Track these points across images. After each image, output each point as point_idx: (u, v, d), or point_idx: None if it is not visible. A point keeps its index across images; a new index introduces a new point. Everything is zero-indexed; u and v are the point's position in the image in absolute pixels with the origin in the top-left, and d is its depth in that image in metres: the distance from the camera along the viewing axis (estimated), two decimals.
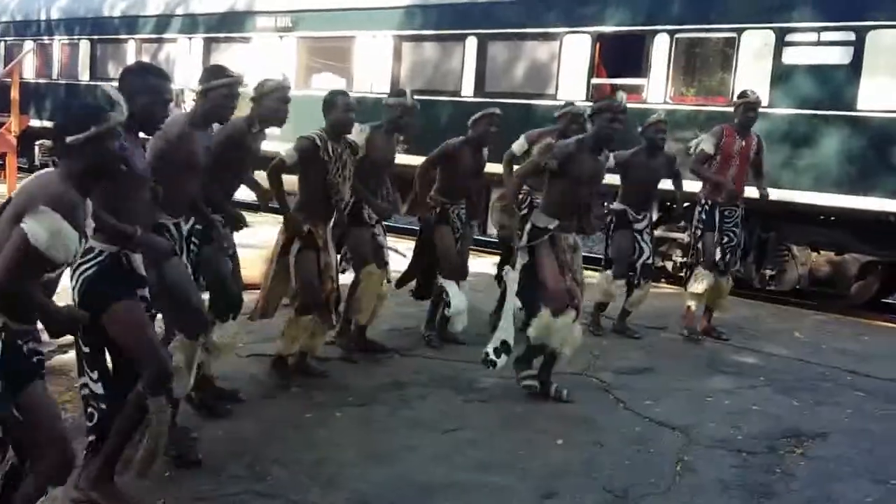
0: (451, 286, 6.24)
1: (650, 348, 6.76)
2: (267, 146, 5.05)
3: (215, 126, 4.45)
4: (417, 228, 6.71)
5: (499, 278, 6.98)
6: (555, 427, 4.88)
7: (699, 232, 7.02)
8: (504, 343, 5.34)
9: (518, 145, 6.67)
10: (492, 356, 5.34)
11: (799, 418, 5.21)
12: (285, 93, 4.85)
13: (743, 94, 7.03)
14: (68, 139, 2.91)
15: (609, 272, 7.00)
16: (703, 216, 6.98)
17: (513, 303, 5.37)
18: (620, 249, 6.94)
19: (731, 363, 6.42)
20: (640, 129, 7.00)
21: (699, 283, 6.96)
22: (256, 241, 6.90)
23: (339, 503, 3.87)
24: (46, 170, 3.01)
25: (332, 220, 5.39)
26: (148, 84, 3.61)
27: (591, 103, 9.56)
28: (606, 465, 4.39)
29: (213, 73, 4.32)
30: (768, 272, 9.26)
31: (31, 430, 2.94)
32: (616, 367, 6.07)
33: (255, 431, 4.59)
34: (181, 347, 4.18)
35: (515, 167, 6.17)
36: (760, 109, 8.12)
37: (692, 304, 7.05)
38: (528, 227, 5.29)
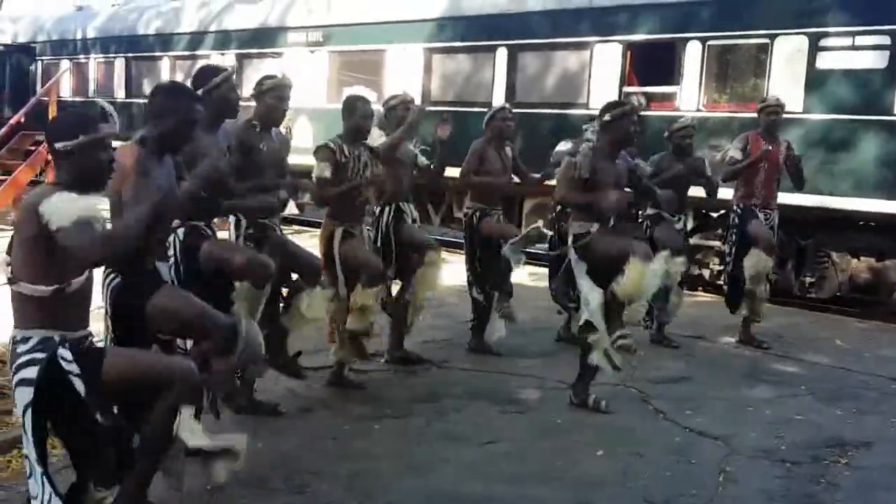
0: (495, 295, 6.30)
1: (688, 357, 6.68)
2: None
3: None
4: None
5: (554, 297, 6.86)
6: (593, 438, 4.84)
7: (734, 237, 6.94)
8: (587, 322, 5.15)
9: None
10: (581, 335, 5.19)
11: (842, 427, 5.13)
12: (283, 91, 4.89)
13: (763, 99, 7.01)
14: (57, 145, 2.92)
15: (666, 252, 6.80)
16: (737, 220, 6.91)
17: (584, 285, 5.15)
18: (666, 240, 6.75)
19: (771, 372, 6.33)
20: (666, 133, 6.95)
21: (750, 267, 6.77)
22: None
23: None
24: (41, 185, 3.04)
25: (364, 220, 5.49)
26: (177, 105, 3.59)
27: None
28: (646, 475, 4.34)
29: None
30: (808, 279, 9.14)
31: (145, 384, 2.99)
32: (654, 376, 6.01)
33: (294, 444, 4.59)
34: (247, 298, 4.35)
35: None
36: (795, 116, 8.06)
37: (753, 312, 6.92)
38: (570, 239, 5.22)
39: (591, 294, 5.07)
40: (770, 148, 6.80)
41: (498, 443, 4.75)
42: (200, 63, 15.19)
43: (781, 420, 5.22)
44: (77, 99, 17.44)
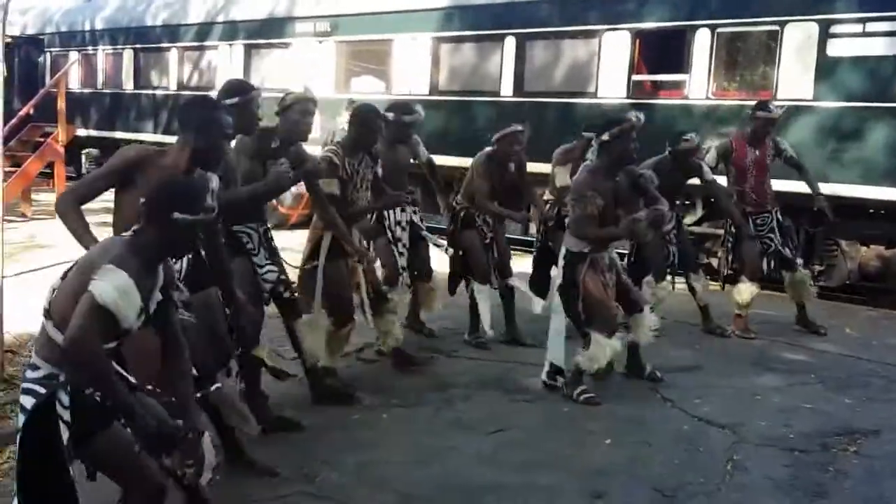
0: (477, 288, 6.33)
1: (697, 346, 6.68)
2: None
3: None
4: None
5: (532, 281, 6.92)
6: (602, 426, 4.85)
7: (730, 245, 6.96)
8: (553, 366, 5.43)
9: (563, 175, 6.66)
10: (549, 381, 5.44)
11: (851, 416, 5.12)
12: (307, 105, 4.73)
13: (764, 107, 6.86)
14: (175, 215, 2.82)
15: (650, 278, 6.85)
16: (732, 227, 6.91)
17: (558, 324, 5.41)
18: (654, 256, 6.78)
19: (780, 360, 6.32)
20: (668, 146, 6.69)
21: (742, 294, 6.91)
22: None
23: None
24: (110, 237, 2.95)
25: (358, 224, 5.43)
26: (215, 120, 3.56)
27: (630, 100, 9.55)
28: (655, 464, 4.36)
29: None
30: (817, 268, 9.11)
31: (117, 473, 2.91)
32: (663, 365, 5.99)
33: (303, 434, 4.62)
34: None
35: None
36: (805, 103, 8.01)
37: (741, 311, 6.95)
38: (563, 252, 5.25)
39: (559, 324, 5.30)
40: (757, 152, 6.75)
41: (506, 431, 4.77)
42: (209, 53, 15.24)
43: (790, 408, 5.22)
44: (86, 90, 17.49)
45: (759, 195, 6.87)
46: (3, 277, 4.91)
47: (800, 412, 5.16)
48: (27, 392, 2.80)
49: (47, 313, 2.82)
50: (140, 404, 2.88)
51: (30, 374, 2.83)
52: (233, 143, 4.42)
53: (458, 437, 4.67)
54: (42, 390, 2.78)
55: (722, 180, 7.14)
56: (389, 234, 5.99)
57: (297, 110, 4.69)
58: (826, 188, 8.10)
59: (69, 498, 2.82)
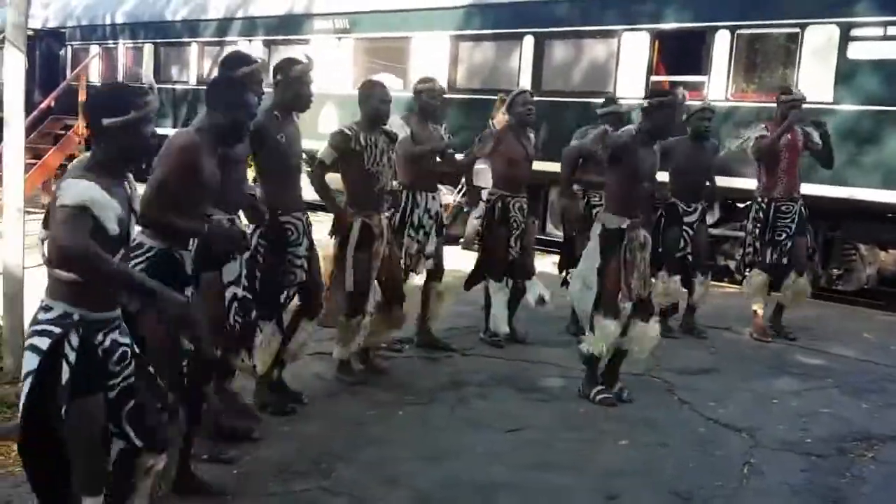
0: (493, 286, 6.28)
1: (714, 348, 6.66)
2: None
3: None
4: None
5: (565, 282, 6.91)
6: (617, 427, 4.84)
7: (756, 231, 6.90)
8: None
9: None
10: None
11: (869, 421, 5.10)
12: (309, 77, 4.78)
13: (787, 91, 6.87)
14: (105, 121, 2.85)
15: (663, 273, 6.86)
16: (760, 214, 6.86)
17: (583, 308, 5.23)
18: (669, 246, 6.81)
19: (797, 364, 6.30)
20: (685, 117, 6.86)
21: (751, 285, 6.88)
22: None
23: (400, 500, 3.89)
24: (73, 163, 2.99)
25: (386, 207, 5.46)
26: (243, 99, 3.64)
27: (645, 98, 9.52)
28: (670, 466, 4.35)
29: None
30: (835, 271, 9.06)
31: (69, 442, 2.89)
32: (679, 367, 6.00)
33: (320, 429, 4.64)
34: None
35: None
36: (825, 106, 7.96)
37: (757, 307, 6.93)
38: (597, 228, 5.16)
39: (587, 292, 5.14)
40: (789, 137, 6.73)
41: (521, 430, 4.78)
42: (228, 49, 15.28)
43: (807, 413, 5.20)
44: (97, 84, 17.58)
45: (790, 179, 6.81)
46: (24, 268, 4.96)
47: (817, 417, 5.14)
48: (42, 333, 2.83)
49: (48, 261, 2.85)
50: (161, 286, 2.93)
51: (42, 315, 2.86)
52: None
53: (472, 435, 4.68)
54: (57, 330, 2.82)
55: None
56: (416, 222, 5.94)
57: (304, 82, 4.74)
58: (845, 192, 8.08)
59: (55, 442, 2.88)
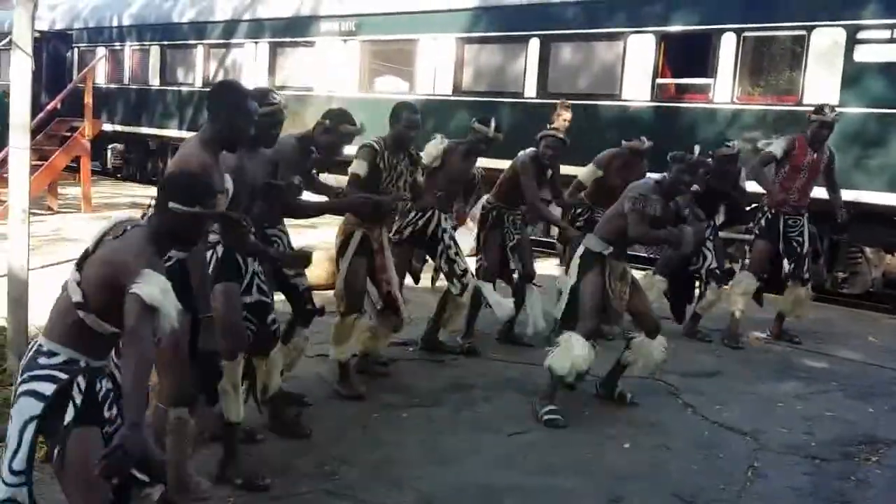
0: (486, 287, 6.24)
1: (719, 352, 6.65)
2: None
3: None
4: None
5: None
6: (621, 430, 4.84)
7: (754, 238, 6.92)
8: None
9: (587, 173, 6.78)
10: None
11: (874, 425, 5.09)
12: (353, 134, 4.77)
13: (820, 111, 6.75)
14: (171, 204, 2.86)
15: (650, 272, 6.85)
16: (764, 223, 6.86)
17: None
18: (670, 256, 6.78)
19: (802, 368, 6.29)
20: (710, 154, 6.61)
21: (738, 287, 6.91)
22: (318, 242, 6.98)
23: (404, 503, 3.89)
24: (129, 231, 2.90)
25: (386, 222, 5.43)
26: (245, 106, 3.63)
27: (654, 103, 9.52)
28: (674, 469, 4.34)
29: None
30: (840, 275, 9.04)
31: (64, 473, 2.86)
32: (684, 370, 5.99)
33: (324, 431, 4.64)
34: (227, 371, 3.99)
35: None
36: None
37: (735, 309, 6.90)
38: (580, 250, 5.19)
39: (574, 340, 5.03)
40: (815, 156, 6.70)
41: (526, 433, 4.78)
42: (234, 51, 15.33)
43: (811, 416, 5.19)
44: (113, 86, 17.63)
45: (802, 197, 6.81)
46: (28, 270, 4.97)
47: (822, 420, 5.13)
48: (45, 378, 2.80)
49: (82, 307, 2.82)
50: None
51: (45, 360, 2.82)
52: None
53: (477, 438, 4.68)
54: (63, 375, 2.80)
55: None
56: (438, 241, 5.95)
57: (344, 133, 4.72)
58: (850, 195, 8.04)
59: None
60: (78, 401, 2.80)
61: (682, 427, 4.97)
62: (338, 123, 4.69)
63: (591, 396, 5.35)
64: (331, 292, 5.53)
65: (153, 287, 2.70)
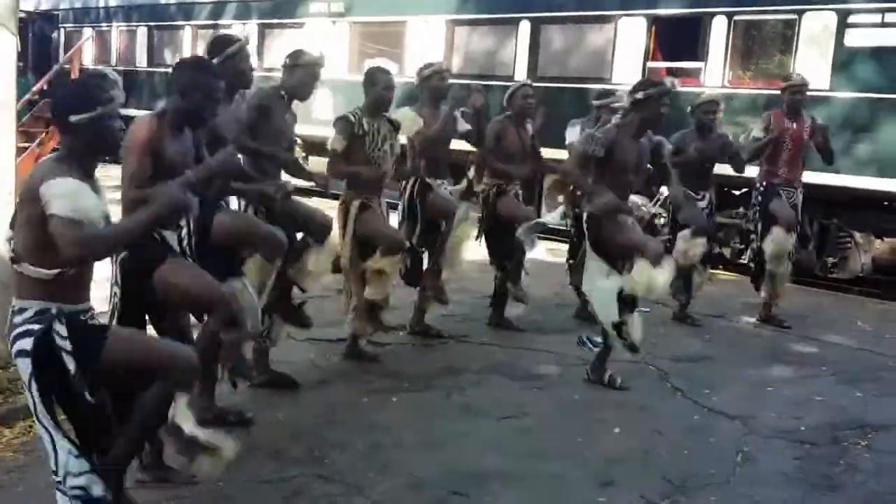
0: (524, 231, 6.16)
1: (708, 336, 6.66)
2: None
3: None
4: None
5: (569, 268, 6.99)
6: (612, 415, 4.84)
7: (757, 213, 6.89)
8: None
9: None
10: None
11: (863, 409, 5.10)
12: (317, 71, 4.88)
13: (787, 77, 6.90)
14: (72, 118, 2.84)
15: (687, 232, 6.76)
16: (760, 198, 6.85)
17: (607, 318, 5.07)
18: (689, 219, 6.65)
19: (791, 352, 6.30)
20: (689, 109, 6.88)
21: (772, 244, 6.77)
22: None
23: (394, 488, 3.88)
24: (42, 159, 3.02)
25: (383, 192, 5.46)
26: (203, 82, 3.60)
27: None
28: (664, 453, 4.35)
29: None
30: (830, 260, 9.06)
31: (140, 366, 2.98)
32: (674, 354, 6.00)
33: (314, 415, 4.63)
34: (258, 270, 4.38)
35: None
36: (822, 94, 7.93)
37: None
38: (585, 217, 5.16)
39: (598, 281, 5.08)
40: (794, 125, 6.72)
41: (517, 418, 4.77)
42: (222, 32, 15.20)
43: (801, 401, 5.20)
44: (100, 67, 17.47)
45: (791, 169, 6.80)
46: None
47: (811, 405, 5.14)
48: (22, 335, 2.83)
49: (17, 259, 2.84)
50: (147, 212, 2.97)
51: (18, 318, 2.85)
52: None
53: (467, 423, 4.67)
54: (37, 326, 2.82)
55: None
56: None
57: (309, 73, 4.86)
58: (840, 180, 8.06)
59: (98, 420, 2.94)
60: (68, 347, 2.82)
61: (673, 412, 4.97)
62: (296, 59, 4.85)
63: (581, 381, 5.34)
64: (330, 281, 5.50)
65: (63, 199, 2.70)
